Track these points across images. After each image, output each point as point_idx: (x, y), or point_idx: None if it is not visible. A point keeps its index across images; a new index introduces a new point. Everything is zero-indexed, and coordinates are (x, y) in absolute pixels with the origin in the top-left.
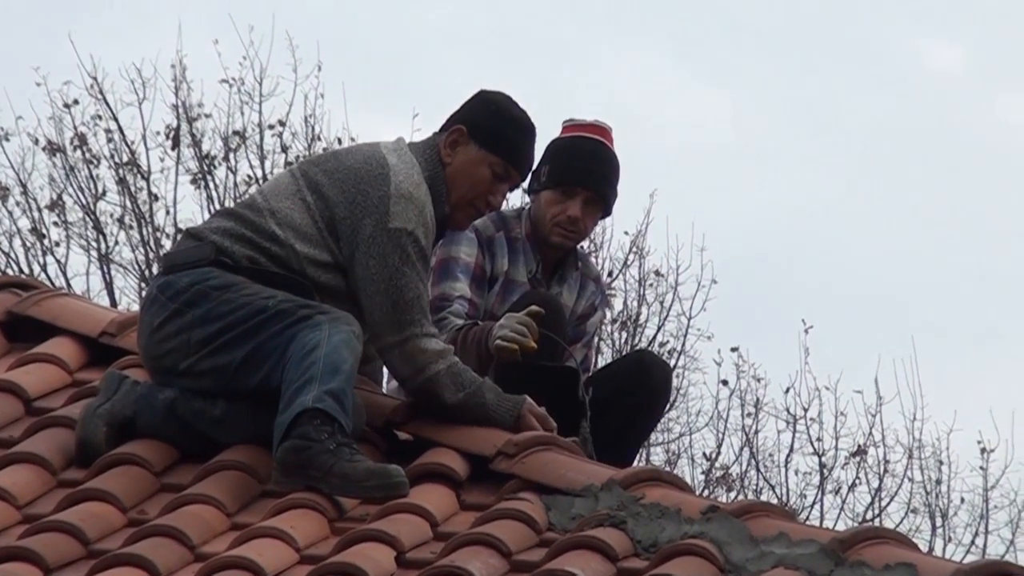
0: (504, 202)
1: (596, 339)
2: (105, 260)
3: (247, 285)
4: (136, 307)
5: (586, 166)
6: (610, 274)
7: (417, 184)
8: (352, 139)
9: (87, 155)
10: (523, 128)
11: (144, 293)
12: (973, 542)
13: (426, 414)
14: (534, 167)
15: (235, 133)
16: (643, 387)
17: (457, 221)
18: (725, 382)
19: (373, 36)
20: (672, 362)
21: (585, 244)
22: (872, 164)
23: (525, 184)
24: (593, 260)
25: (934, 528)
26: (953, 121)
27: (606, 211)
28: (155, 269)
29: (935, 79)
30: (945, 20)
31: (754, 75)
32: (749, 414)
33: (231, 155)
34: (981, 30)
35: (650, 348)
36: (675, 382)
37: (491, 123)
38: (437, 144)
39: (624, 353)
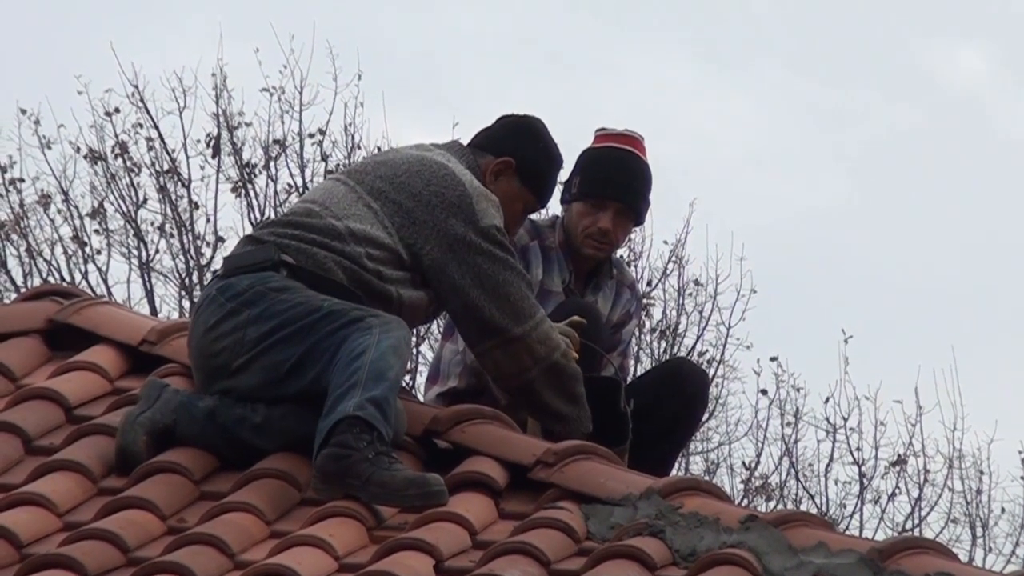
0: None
1: (632, 346)
2: (146, 268)
3: (304, 289)
4: (176, 315)
5: (617, 178)
6: (649, 283)
7: (484, 192)
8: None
9: (128, 163)
10: (559, 165)
11: (200, 294)
12: (1014, 552)
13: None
14: (567, 177)
15: (275, 142)
16: (680, 395)
17: None
18: (764, 391)
19: (411, 45)
20: (711, 371)
21: (625, 253)
22: (908, 172)
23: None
24: (627, 266)
25: (974, 538)
26: (986, 126)
27: (637, 221)
28: (195, 277)
29: (965, 84)
30: (970, 26)
31: (779, 83)
32: (788, 423)
33: (271, 163)
34: (1006, 36)
35: (689, 357)
36: (714, 391)
37: (539, 164)
38: (474, 157)
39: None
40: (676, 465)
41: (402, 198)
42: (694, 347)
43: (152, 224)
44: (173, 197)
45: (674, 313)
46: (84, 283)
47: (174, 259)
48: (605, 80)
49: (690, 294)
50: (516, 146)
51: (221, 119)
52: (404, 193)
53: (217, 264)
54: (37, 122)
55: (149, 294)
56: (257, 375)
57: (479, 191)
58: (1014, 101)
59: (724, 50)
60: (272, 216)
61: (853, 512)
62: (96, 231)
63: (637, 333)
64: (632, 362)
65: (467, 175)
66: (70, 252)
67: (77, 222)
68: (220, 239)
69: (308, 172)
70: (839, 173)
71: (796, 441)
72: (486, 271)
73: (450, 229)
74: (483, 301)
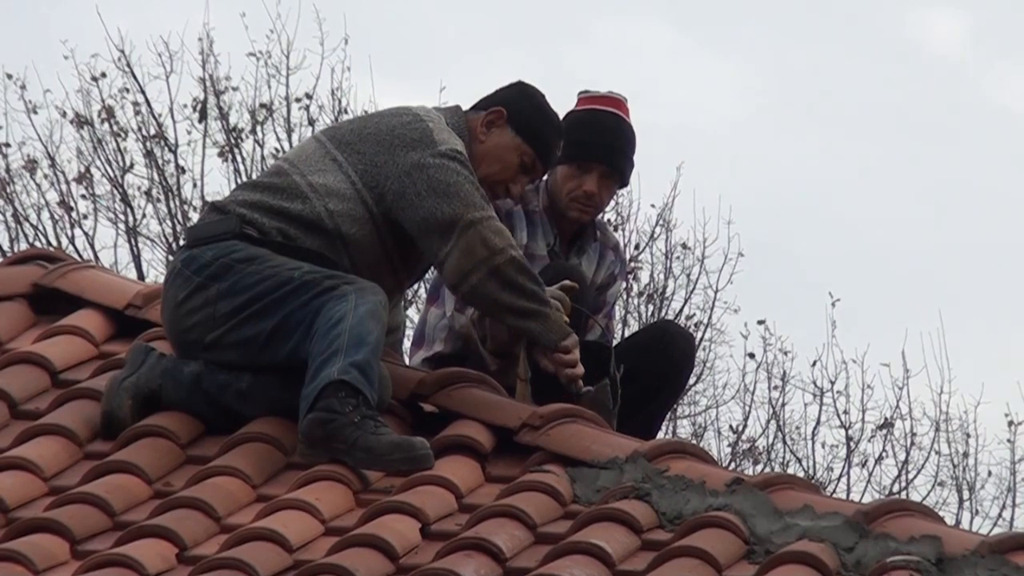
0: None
1: (617, 308)
2: (133, 233)
3: (271, 257)
4: (162, 280)
5: (602, 141)
6: (637, 247)
7: (450, 130)
8: None
9: (115, 128)
10: (556, 128)
11: (168, 266)
12: (1000, 515)
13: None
14: None
15: (262, 106)
16: (666, 357)
17: None
18: (752, 355)
19: (396, 9)
20: (698, 335)
21: (612, 216)
22: (894, 137)
23: None
24: (613, 229)
25: (961, 501)
26: (968, 91)
27: (622, 183)
28: (182, 242)
29: (944, 50)
30: None
31: (757, 47)
32: (776, 387)
33: (258, 128)
34: (981, 3)
35: (676, 320)
36: (701, 355)
37: (530, 115)
38: (466, 116)
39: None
40: (663, 428)
41: (366, 146)
42: (681, 310)
43: (139, 189)
44: (160, 162)
45: (661, 277)
46: (71, 248)
47: (161, 224)
48: (579, 45)
49: (678, 258)
50: (506, 97)
51: (208, 84)
52: (369, 142)
53: None
54: (23, 87)
55: (136, 259)
56: (232, 350)
57: (440, 127)
58: (994, 67)
59: (700, 14)
60: None
61: (840, 475)
62: (83, 196)
63: (623, 296)
64: (618, 324)
65: (434, 120)
66: (57, 217)
67: (64, 187)
68: (207, 203)
69: (295, 136)
70: (824, 138)
71: (783, 404)
72: (437, 178)
73: (408, 160)
74: (436, 204)
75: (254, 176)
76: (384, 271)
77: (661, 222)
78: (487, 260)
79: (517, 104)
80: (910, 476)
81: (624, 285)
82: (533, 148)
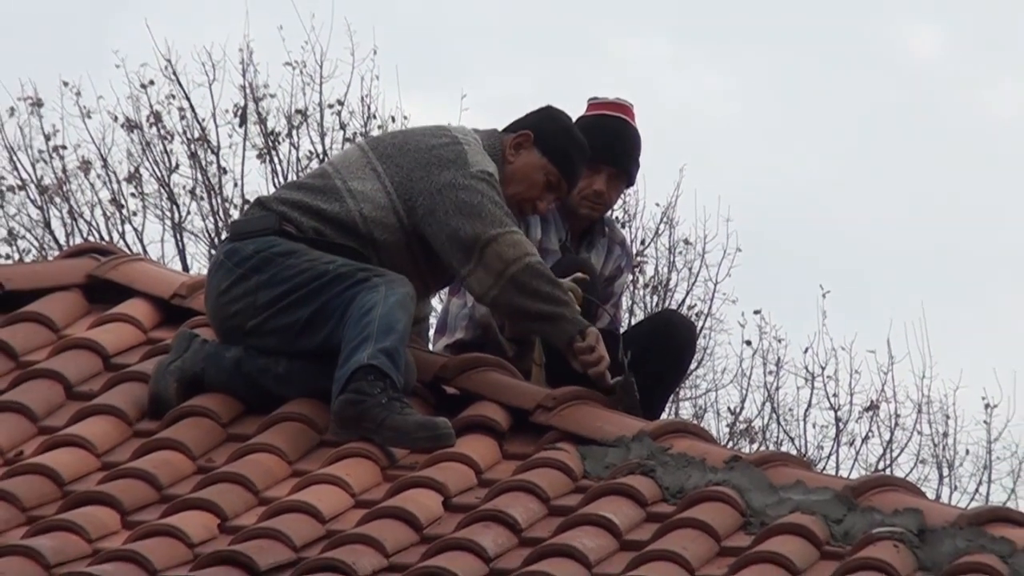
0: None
1: (624, 299)
2: (178, 228)
3: (308, 251)
4: (205, 271)
5: (610, 144)
6: (642, 242)
7: (485, 153)
8: (405, 117)
9: (162, 132)
10: (582, 149)
11: (211, 258)
12: (977, 490)
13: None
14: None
15: (297, 112)
16: (670, 344)
17: None
18: (748, 342)
19: (421, 23)
20: (699, 324)
21: (619, 214)
22: (880, 140)
23: None
24: (618, 225)
25: (941, 478)
26: (949, 98)
27: (629, 183)
28: (225, 235)
29: (925, 60)
30: (930, 5)
31: (755, 56)
32: (771, 372)
33: (294, 132)
34: (965, 15)
35: (678, 310)
36: (702, 342)
37: (556, 136)
38: (500, 139)
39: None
40: (666, 410)
41: (405, 161)
42: (684, 301)
43: (184, 188)
44: (203, 163)
45: (665, 270)
46: (121, 242)
47: (204, 220)
48: (589, 57)
49: (680, 252)
50: (534, 121)
51: (248, 91)
52: (408, 157)
53: None
54: (78, 94)
55: (181, 252)
56: (271, 336)
57: (476, 150)
58: (976, 73)
59: (698, 26)
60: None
61: (830, 454)
62: (132, 194)
63: (630, 287)
64: (625, 314)
65: (471, 142)
66: (108, 214)
67: (115, 186)
68: (247, 202)
69: (328, 140)
70: (815, 140)
71: (777, 388)
72: (463, 199)
73: (441, 179)
74: (460, 223)
75: (291, 176)
76: (412, 277)
77: (665, 219)
78: (503, 272)
79: (543, 126)
80: (894, 454)
81: (630, 277)
82: (558, 167)
